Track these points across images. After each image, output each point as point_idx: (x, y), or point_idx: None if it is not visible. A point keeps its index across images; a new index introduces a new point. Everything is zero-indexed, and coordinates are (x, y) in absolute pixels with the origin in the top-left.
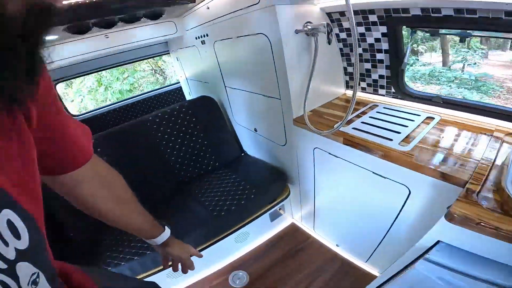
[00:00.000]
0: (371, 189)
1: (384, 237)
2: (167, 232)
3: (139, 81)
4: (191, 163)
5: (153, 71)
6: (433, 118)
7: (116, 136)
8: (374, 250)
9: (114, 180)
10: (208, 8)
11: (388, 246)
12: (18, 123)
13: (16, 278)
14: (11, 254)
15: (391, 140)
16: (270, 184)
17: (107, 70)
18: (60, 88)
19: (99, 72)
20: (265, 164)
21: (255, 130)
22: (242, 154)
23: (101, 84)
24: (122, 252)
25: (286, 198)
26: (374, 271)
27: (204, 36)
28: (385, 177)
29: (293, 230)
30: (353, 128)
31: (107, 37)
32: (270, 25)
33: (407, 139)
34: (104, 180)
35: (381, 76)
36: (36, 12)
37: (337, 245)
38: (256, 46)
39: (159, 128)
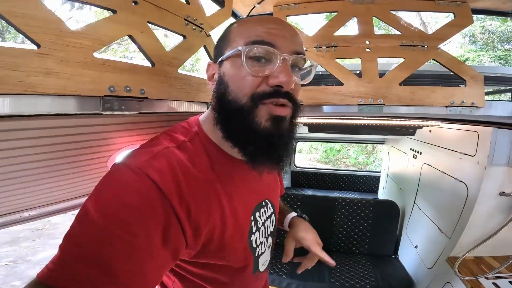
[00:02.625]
0: None
1: None
2: (292, 213)
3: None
4: (346, 241)
5: None
6: None
7: (312, 199)
8: None
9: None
10: (430, 131)
11: None
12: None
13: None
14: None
15: None
16: None
17: None
18: None
19: None
20: (404, 274)
21: (416, 247)
22: (392, 256)
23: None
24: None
25: None
26: None
27: (417, 152)
28: None
29: None
30: (493, 284)
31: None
32: (474, 179)
33: None
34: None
35: None
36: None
37: None
38: (454, 189)
39: (343, 208)
